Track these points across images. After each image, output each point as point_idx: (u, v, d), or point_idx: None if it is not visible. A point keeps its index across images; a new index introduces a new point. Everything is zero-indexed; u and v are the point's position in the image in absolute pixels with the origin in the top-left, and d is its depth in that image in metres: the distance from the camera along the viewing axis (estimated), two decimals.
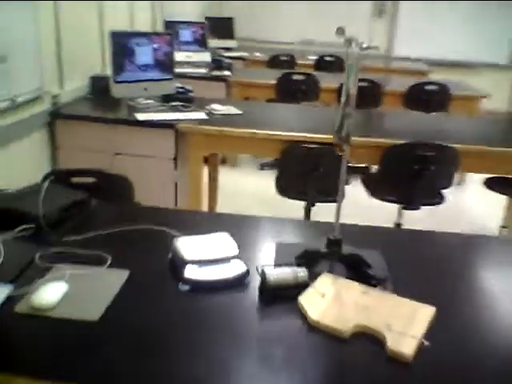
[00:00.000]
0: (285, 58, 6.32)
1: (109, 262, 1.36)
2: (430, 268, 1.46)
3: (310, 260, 1.36)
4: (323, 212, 3.96)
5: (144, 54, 3.32)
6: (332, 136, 1.35)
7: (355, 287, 1.28)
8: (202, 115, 3.18)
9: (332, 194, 3.07)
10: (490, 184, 3.13)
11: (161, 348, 1.06)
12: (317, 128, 3.12)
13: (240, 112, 3.36)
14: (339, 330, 1.12)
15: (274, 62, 6.22)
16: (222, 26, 6.67)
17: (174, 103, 3.41)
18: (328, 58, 6.42)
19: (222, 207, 4.08)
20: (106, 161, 3.08)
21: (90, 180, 2.28)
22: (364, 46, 1.23)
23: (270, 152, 3.04)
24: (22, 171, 2.20)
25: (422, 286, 1.35)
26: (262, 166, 5.40)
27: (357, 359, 1.06)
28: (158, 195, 3.14)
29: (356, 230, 1.74)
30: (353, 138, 2.90)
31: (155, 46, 3.36)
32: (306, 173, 2.92)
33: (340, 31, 1.28)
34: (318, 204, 3.15)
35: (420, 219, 3.96)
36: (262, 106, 3.90)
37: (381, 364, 1.05)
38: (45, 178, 2.31)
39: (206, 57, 5.25)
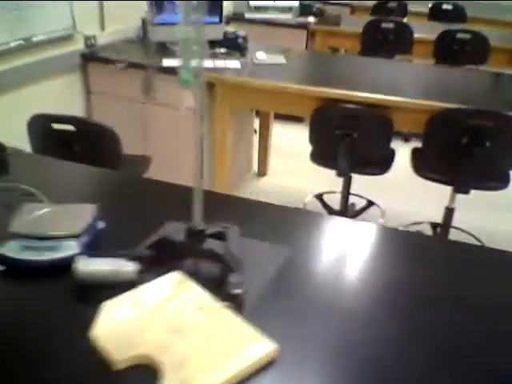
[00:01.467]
0: (393, 5, 5.58)
1: None
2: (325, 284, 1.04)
3: (169, 251, 1.04)
4: (372, 185, 3.42)
5: None
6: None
7: (194, 299, 0.94)
8: (235, 64, 2.85)
9: (370, 164, 2.60)
10: None
11: None
12: (365, 85, 2.62)
13: (283, 62, 2.96)
14: (111, 357, 0.80)
15: (379, 9, 5.53)
16: None
17: (216, 50, 3.12)
18: (445, 6, 5.55)
19: (274, 171, 3.74)
20: (133, 109, 2.93)
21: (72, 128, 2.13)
22: None
23: (301, 110, 2.63)
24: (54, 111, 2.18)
25: (291, 311, 0.95)
26: None
27: None
28: (182, 151, 2.92)
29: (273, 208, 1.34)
30: (392, 99, 2.42)
31: None
32: (338, 138, 2.47)
33: None
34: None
35: (479, 205, 3.28)
36: (318, 57, 3.42)
37: None
38: (30, 122, 2.21)
39: (294, 1, 4.80)
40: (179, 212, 1.20)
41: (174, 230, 1.07)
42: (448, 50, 4.03)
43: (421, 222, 3.01)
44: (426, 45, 4.12)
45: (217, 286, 0.96)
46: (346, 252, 1.15)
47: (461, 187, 2.27)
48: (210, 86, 2.75)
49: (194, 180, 1.03)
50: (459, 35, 3.94)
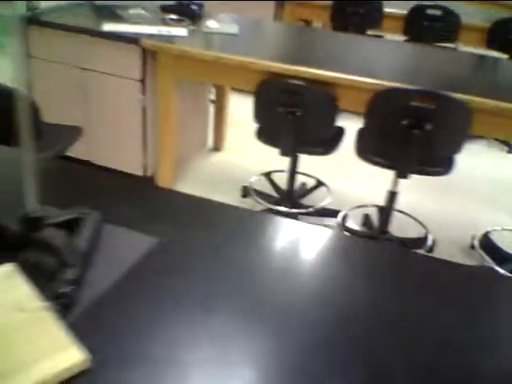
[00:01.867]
0: None
1: None
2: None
3: (4, 241, 0.93)
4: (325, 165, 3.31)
5: None
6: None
7: (16, 297, 0.84)
8: (181, 32, 2.69)
9: (315, 144, 2.49)
10: None
11: None
12: (315, 61, 2.49)
13: (235, 32, 2.81)
14: None
15: None
16: None
17: (166, 16, 2.95)
18: None
19: (230, 146, 3.60)
20: (73, 75, 2.78)
21: None
22: None
23: (246, 84, 2.50)
24: None
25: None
26: None
27: None
28: (124, 122, 2.79)
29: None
30: (336, 75, 2.29)
31: None
32: (281, 115, 2.35)
33: None
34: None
35: (427, 188, 3.20)
36: (278, 29, 3.26)
37: None
38: None
39: None
40: (71, 197, 1.09)
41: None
42: (418, 26, 3.88)
43: (366, 205, 2.92)
44: (397, 20, 3.97)
45: (48, 283, 0.86)
46: (226, 246, 1.05)
47: (400, 172, 2.17)
48: (154, 54, 2.60)
49: (24, 155, 0.91)
50: (430, 11, 3.79)
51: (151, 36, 2.59)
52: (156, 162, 2.89)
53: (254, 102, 2.41)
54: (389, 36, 4.09)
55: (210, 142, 3.56)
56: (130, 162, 2.88)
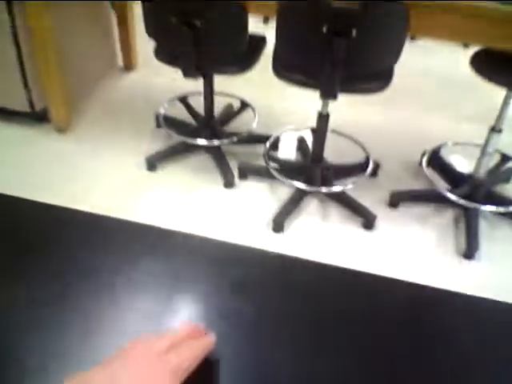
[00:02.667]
0: None
1: None
2: None
3: None
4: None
5: None
6: None
7: None
8: None
9: (224, 61, 2.02)
10: (478, 63, 1.87)
11: None
12: None
13: None
14: None
15: None
16: None
17: None
18: None
19: (144, 64, 3.05)
20: None
21: None
22: None
23: None
24: None
25: None
26: None
27: None
28: None
29: None
30: None
31: None
32: (178, 27, 1.85)
33: None
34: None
35: (366, 101, 2.78)
36: None
37: None
38: None
39: None
40: None
41: None
42: None
43: (298, 129, 2.51)
44: None
45: None
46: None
47: (325, 91, 1.74)
48: None
49: None
50: None
51: None
52: (43, 94, 2.38)
53: (142, 11, 1.90)
54: None
55: (121, 60, 3.01)
56: (11, 98, 2.37)
